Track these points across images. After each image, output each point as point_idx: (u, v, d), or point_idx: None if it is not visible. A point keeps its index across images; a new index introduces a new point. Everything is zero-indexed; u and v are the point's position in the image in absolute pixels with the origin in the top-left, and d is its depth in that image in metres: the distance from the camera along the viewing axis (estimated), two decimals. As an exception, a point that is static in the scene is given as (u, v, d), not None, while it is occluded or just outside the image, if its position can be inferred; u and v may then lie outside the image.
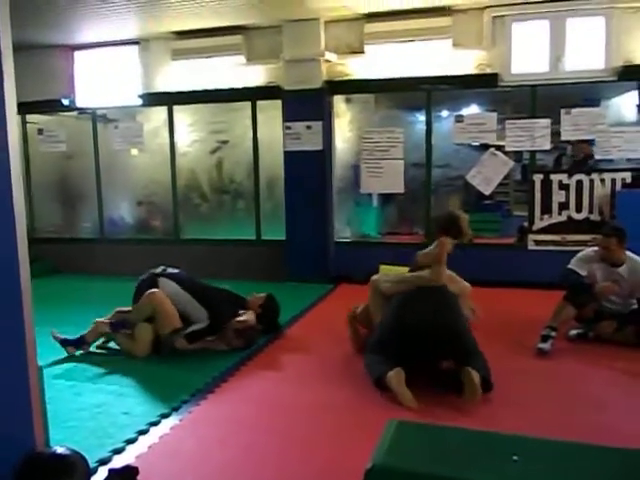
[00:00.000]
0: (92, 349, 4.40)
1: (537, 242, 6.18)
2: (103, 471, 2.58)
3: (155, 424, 3.12)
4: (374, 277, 4.15)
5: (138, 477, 2.50)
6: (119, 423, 3.13)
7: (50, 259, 7.69)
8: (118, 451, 2.82)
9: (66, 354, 4.27)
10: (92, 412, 3.28)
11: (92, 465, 2.64)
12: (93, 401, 3.44)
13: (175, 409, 3.32)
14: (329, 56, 6.41)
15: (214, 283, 4.92)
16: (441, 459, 1.78)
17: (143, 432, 3.03)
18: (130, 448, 2.86)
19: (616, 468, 1.79)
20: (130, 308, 4.40)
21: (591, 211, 6.02)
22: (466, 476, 1.70)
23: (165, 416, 3.22)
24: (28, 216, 7.96)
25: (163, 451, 2.83)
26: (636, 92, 6.46)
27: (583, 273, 4.37)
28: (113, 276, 7.08)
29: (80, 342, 4.33)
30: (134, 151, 7.65)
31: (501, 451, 1.86)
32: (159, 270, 4.52)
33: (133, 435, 2.97)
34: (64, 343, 4.32)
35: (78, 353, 4.32)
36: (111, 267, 7.27)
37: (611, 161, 6.28)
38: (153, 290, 4.28)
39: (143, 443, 2.91)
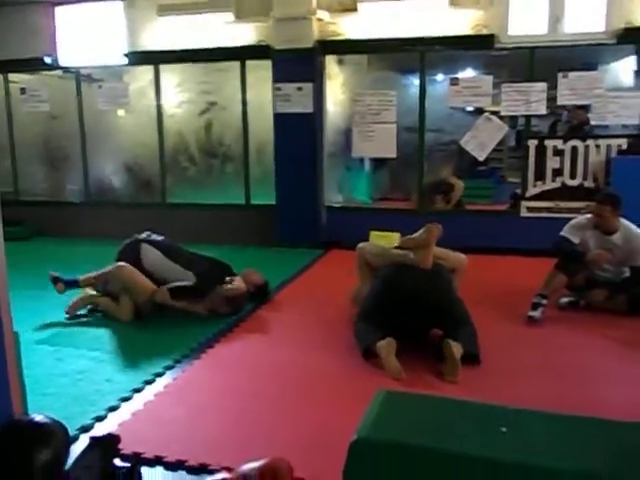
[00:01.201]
0: (82, 312, 4.33)
1: (530, 209, 6.10)
2: (84, 439, 2.52)
3: (139, 391, 3.06)
4: (360, 245, 4.05)
5: (120, 445, 2.45)
6: (101, 390, 3.07)
7: (34, 222, 7.56)
8: (100, 419, 2.76)
9: (50, 320, 4.16)
10: (74, 378, 3.22)
11: (73, 433, 2.59)
12: (75, 367, 3.37)
13: (159, 375, 3.26)
14: (321, 14, 6.18)
15: (202, 248, 4.84)
16: (428, 431, 1.72)
17: (126, 399, 2.96)
18: (112, 416, 2.80)
19: (608, 441, 1.75)
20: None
21: (585, 178, 5.93)
22: (453, 448, 1.65)
23: (149, 383, 3.16)
24: (12, 178, 7.79)
25: (147, 419, 2.77)
26: (634, 57, 6.33)
27: (576, 241, 4.30)
28: (98, 240, 6.95)
29: (72, 283, 4.38)
30: (120, 112, 7.44)
31: (490, 422, 1.80)
32: (143, 236, 4.43)
33: (115, 402, 2.91)
34: (55, 280, 4.36)
35: (68, 292, 4.39)
36: (96, 231, 7.13)
37: (606, 127, 6.18)
38: (120, 264, 4.21)
39: (126, 410, 2.85)
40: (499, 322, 4.05)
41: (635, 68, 6.29)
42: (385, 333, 3.27)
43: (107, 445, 2.40)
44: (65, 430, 2.36)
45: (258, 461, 2.18)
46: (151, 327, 4.08)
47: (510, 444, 1.70)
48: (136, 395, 3.02)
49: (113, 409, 2.86)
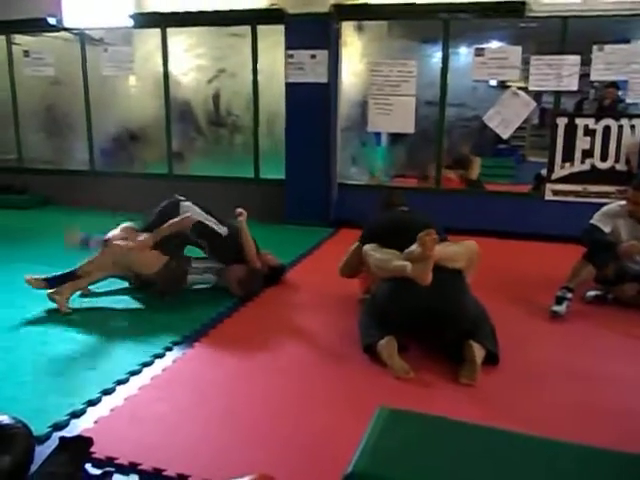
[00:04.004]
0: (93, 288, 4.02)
1: (555, 192, 5.71)
2: (56, 437, 2.27)
3: (123, 382, 2.81)
4: (366, 248, 3.51)
5: (93, 448, 2.21)
6: (83, 380, 2.82)
7: (40, 191, 7.35)
8: (76, 414, 2.51)
9: (47, 299, 3.76)
10: (56, 366, 2.97)
11: (45, 430, 2.36)
12: (59, 352, 3.13)
13: (147, 365, 3.00)
14: (338, -24, 5.77)
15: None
16: (437, 468, 1.43)
17: (108, 392, 2.71)
18: (91, 410, 2.56)
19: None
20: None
21: (617, 160, 5.51)
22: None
23: (135, 373, 2.90)
24: (15, 145, 7.55)
25: (126, 416, 2.51)
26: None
27: (607, 230, 3.95)
28: (104, 210, 6.72)
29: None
30: (131, 79, 7.12)
31: (513, 457, 1.51)
32: (181, 197, 4.23)
33: (96, 395, 2.66)
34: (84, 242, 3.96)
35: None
36: (102, 200, 6.88)
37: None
38: (110, 239, 3.88)
39: (106, 405, 2.60)
40: (518, 316, 3.74)
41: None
42: (388, 331, 2.98)
43: (77, 449, 2.17)
44: (29, 432, 2.12)
45: (242, 478, 1.92)
46: (147, 309, 3.84)
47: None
48: (119, 387, 2.77)
49: (92, 403, 2.61)
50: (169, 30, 6.55)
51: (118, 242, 3.86)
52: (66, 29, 6.90)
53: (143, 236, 3.94)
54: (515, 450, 1.55)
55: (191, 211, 4.08)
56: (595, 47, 5.43)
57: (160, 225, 3.96)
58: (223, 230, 4.13)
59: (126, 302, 3.94)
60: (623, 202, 4.02)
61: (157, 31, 6.56)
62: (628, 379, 2.93)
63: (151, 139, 7.14)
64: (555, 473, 1.47)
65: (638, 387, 2.86)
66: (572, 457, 1.51)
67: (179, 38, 6.71)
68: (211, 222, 4.12)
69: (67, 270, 3.83)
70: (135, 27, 6.62)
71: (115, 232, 4.00)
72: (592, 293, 4.00)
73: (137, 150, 7.36)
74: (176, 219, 3.97)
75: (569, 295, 3.76)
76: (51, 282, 3.77)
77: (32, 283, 3.78)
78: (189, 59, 6.88)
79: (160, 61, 6.64)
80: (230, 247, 4.10)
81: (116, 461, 2.17)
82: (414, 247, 2.98)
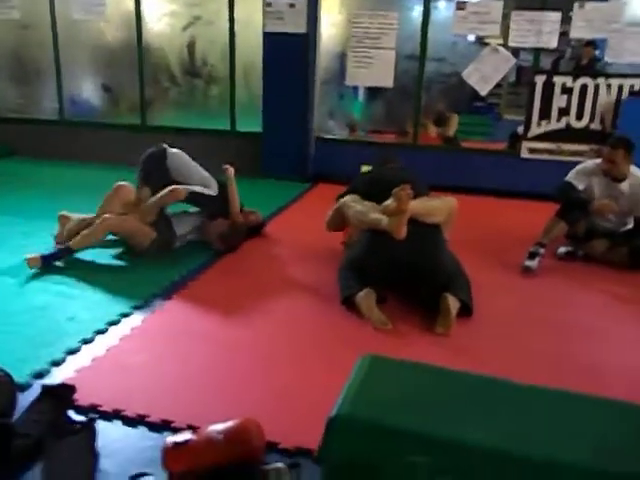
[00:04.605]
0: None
1: (531, 150, 5.77)
2: (38, 386, 2.28)
3: (102, 332, 2.82)
4: (343, 200, 3.60)
5: (75, 395, 2.23)
6: (62, 330, 2.82)
7: (5, 141, 7.10)
8: (57, 363, 2.52)
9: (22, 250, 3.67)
10: (33, 315, 2.96)
11: (25, 379, 2.36)
12: (36, 303, 3.11)
13: (126, 315, 3.01)
14: None
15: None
16: (420, 410, 1.49)
17: (88, 341, 2.72)
18: (71, 359, 2.56)
19: (616, 425, 1.53)
20: (90, 217, 3.89)
21: (592, 119, 5.57)
22: (448, 434, 1.42)
23: (114, 323, 2.91)
24: (-20, 92, 7.25)
25: (108, 365, 2.53)
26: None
27: (581, 187, 4.03)
28: (73, 161, 6.57)
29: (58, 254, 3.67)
30: (100, 23, 6.83)
31: (488, 400, 1.58)
32: (165, 145, 4.13)
33: (76, 345, 2.67)
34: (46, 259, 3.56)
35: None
36: (71, 152, 6.70)
37: (614, 65, 5.77)
38: (105, 216, 3.73)
39: (87, 354, 2.61)
40: (492, 270, 3.83)
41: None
42: (366, 283, 3.03)
43: (60, 396, 2.19)
44: (10, 379, 2.12)
45: (226, 422, 1.97)
46: (127, 261, 3.80)
47: (510, 426, 1.48)
48: (99, 337, 2.78)
49: (72, 352, 2.62)
50: (142, -27, 6.28)
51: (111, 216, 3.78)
52: (32, -31, 6.55)
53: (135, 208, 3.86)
54: (495, 394, 1.61)
55: (176, 158, 4.03)
56: (576, 4, 5.39)
57: (150, 180, 3.88)
58: (213, 190, 4.09)
59: (107, 254, 3.88)
60: (599, 160, 4.09)
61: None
62: (597, 331, 3.06)
63: (123, 88, 6.93)
64: (530, 416, 1.54)
65: (606, 339, 2.99)
66: (549, 400, 1.58)
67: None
68: (200, 188, 4.02)
69: (60, 247, 3.71)
70: (106, -31, 6.32)
71: (111, 203, 3.92)
72: (563, 249, 4.11)
73: (109, 100, 7.14)
74: (165, 192, 3.83)
75: (541, 251, 3.86)
76: (46, 259, 3.55)
77: (31, 262, 3.49)
78: (163, 4, 6.62)
79: (133, 6, 6.38)
80: (217, 203, 4.09)
81: (99, 408, 2.19)
82: (389, 201, 3.02)
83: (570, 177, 4.08)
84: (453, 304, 2.93)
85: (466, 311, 3.05)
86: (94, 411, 2.18)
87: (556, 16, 5.43)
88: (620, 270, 3.84)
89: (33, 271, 3.49)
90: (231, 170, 4.17)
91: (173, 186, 3.90)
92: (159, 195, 3.86)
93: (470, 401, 1.55)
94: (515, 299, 3.41)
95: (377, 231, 3.10)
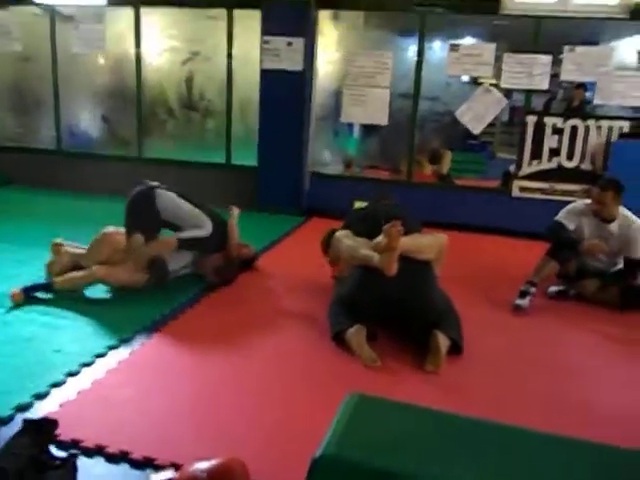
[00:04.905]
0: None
1: (522, 189, 5.83)
2: (20, 419, 2.23)
3: (88, 365, 2.78)
4: (338, 234, 3.62)
5: (58, 430, 2.18)
6: (48, 362, 2.78)
7: (3, 169, 7.13)
8: (41, 396, 2.48)
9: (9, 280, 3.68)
10: (19, 347, 2.92)
11: (8, 412, 2.32)
12: (22, 334, 3.07)
13: (114, 348, 2.97)
14: (317, -36, 5.74)
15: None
16: (407, 452, 1.47)
17: (73, 374, 2.69)
18: (56, 392, 2.53)
19: (602, 470, 1.51)
20: (84, 250, 3.87)
21: (583, 160, 5.65)
22: (434, 475, 1.40)
23: (101, 356, 2.88)
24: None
25: (93, 399, 2.49)
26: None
27: (571, 227, 4.06)
28: (69, 191, 6.59)
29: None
30: (97, 57, 6.96)
31: (476, 442, 1.56)
32: (154, 183, 3.95)
33: (61, 377, 2.63)
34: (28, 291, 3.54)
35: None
36: (68, 182, 6.74)
37: (605, 108, 5.89)
38: (94, 270, 3.65)
39: (72, 387, 2.57)
40: (483, 308, 3.82)
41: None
42: (357, 320, 3.02)
43: (42, 431, 2.14)
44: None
45: (210, 461, 1.93)
46: (116, 293, 3.76)
47: (498, 469, 1.46)
48: (85, 370, 2.74)
49: (57, 385, 2.58)
50: (143, 9, 6.42)
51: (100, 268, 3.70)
52: (36, 4, 6.69)
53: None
54: (482, 437, 1.59)
55: (165, 197, 3.85)
56: (566, 48, 5.54)
57: (140, 225, 3.80)
58: (206, 230, 3.94)
59: (96, 286, 3.82)
60: (588, 201, 4.13)
61: (130, 10, 6.42)
62: (588, 371, 3.04)
63: (122, 120, 7.01)
64: (519, 460, 1.53)
65: (597, 379, 2.97)
66: (536, 443, 1.56)
67: (153, 18, 6.58)
68: (191, 232, 3.89)
69: (44, 282, 3.67)
70: (108, 5, 6.45)
71: (100, 251, 3.82)
72: (554, 288, 4.12)
73: (107, 131, 7.21)
74: (155, 245, 3.79)
75: (532, 290, 3.86)
76: (27, 291, 3.52)
77: (15, 298, 3.45)
78: (163, 40, 6.76)
79: (133, 41, 6.50)
80: (212, 242, 3.97)
81: (82, 444, 2.15)
82: (380, 238, 3.04)
83: (560, 217, 4.11)
84: (443, 342, 2.92)
85: (456, 349, 3.03)
86: (76, 447, 2.14)
87: (547, 59, 5.56)
88: (611, 310, 3.84)
89: (20, 303, 3.46)
90: (236, 210, 4.19)
91: (163, 237, 3.85)
92: (150, 247, 3.77)
93: (458, 443, 1.53)
94: (506, 337, 3.40)
95: (368, 267, 3.11)
